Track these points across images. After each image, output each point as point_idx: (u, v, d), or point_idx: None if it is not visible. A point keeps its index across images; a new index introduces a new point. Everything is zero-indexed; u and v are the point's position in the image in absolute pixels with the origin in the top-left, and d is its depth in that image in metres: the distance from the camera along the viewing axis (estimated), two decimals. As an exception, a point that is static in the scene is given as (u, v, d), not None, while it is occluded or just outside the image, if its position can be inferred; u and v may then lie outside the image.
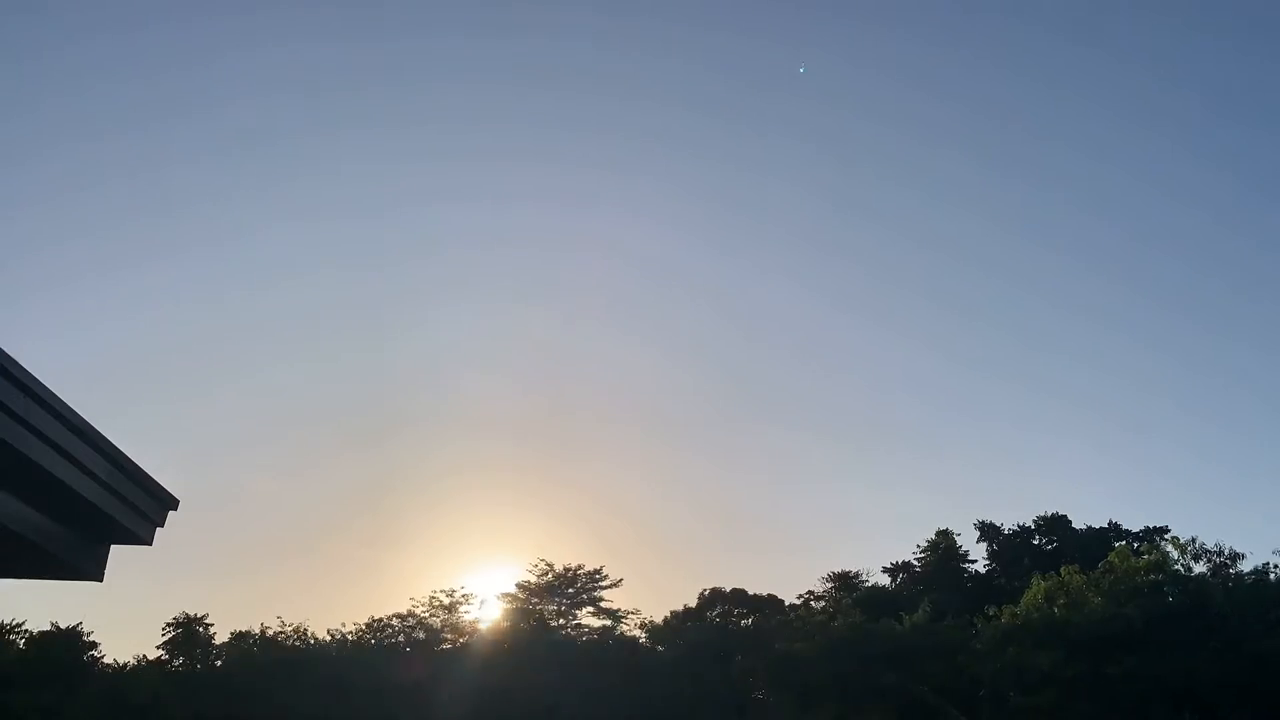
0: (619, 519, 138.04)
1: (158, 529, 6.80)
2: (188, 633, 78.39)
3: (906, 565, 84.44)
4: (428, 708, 61.74)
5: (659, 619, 74.51)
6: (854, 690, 55.99)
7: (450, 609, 76.09)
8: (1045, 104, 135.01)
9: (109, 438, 5.92)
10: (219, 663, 76.37)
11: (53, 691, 66.95)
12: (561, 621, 75.77)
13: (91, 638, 78.22)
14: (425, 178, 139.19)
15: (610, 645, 70.94)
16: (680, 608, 75.28)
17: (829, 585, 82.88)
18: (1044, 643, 53.37)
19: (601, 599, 76.56)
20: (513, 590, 77.45)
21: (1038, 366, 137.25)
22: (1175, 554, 60.13)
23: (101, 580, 6.86)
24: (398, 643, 73.92)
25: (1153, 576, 56.55)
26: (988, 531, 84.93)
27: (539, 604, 76.39)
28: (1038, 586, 58.37)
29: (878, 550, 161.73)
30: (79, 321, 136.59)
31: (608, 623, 75.26)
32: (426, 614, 75.91)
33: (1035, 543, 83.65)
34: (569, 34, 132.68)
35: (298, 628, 76.41)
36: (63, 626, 77.50)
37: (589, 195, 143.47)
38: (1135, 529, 79.68)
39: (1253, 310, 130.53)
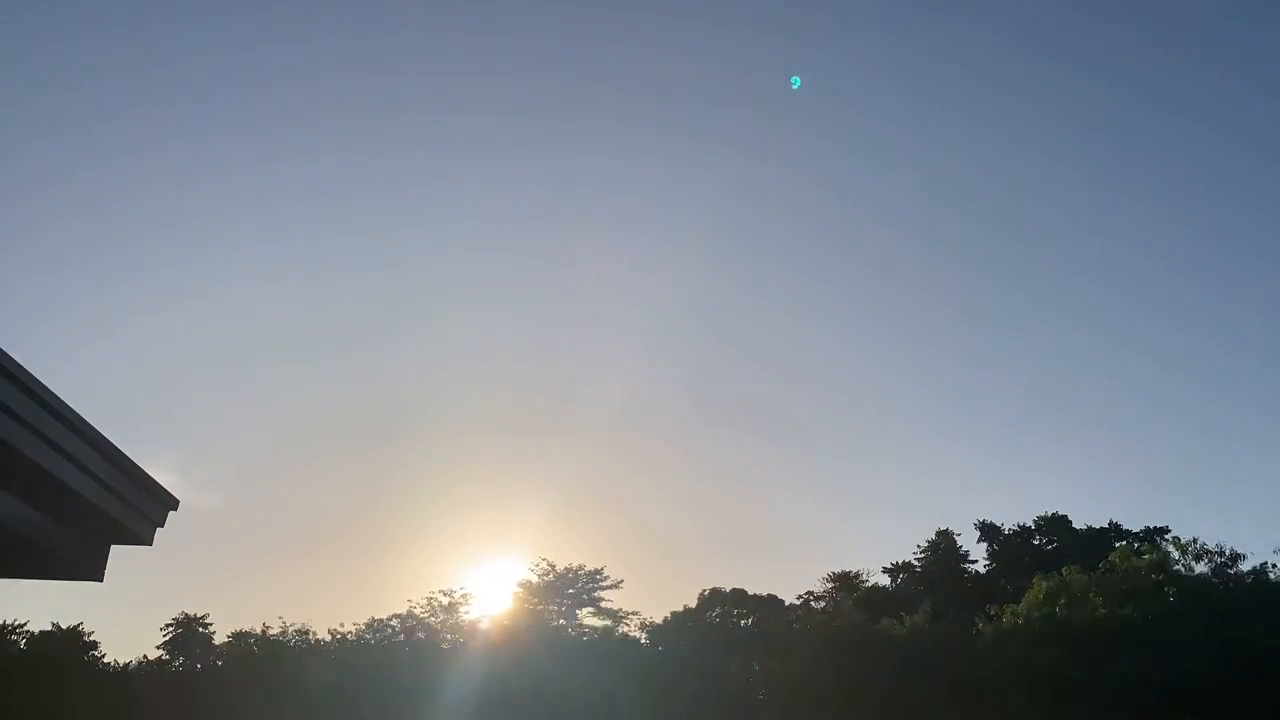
0: (620, 519, 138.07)
1: (158, 529, 6.81)
2: (188, 633, 78.51)
3: (907, 565, 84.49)
4: (428, 708, 61.74)
5: (659, 619, 74.58)
6: (855, 691, 55.99)
7: (450, 609, 76.17)
8: (1047, 108, 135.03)
9: (109, 438, 5.93)
10: (219, 663, 76.43)
11: (53, 691, 67.00)
12: (562, 622, 75.81)
13: (92, 638, 78.39)
14: (426, 176, 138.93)
15: (611, 645, 70.95)
16: (680, 608, 75.34)
17: (829, 585, 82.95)
18: (1045, 643, 53.42)
19: (602, 599, 76.68)
20: (514, 590, 77.56)
21: (1038, 367, 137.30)
22: (1176, 554, 60.21)
23: (101, 580, 6.87)
24: (398, 643, 73.96)
25: (1153, 577, 56.61)
26: (988, 532, 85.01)
27: (540, 604, 76.41)
28: (1039, 587, 58.43)
29: (878, 550, 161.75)
30: (80, 322, 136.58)
31: (608, 623, 75.32)
32: (426, 614, 76.00)
33: (1036, 543, 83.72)
34: (570, 33, 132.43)
35: (298, 628, 76.57)
36: (63, 626, 77.64)
37: (590, 195, 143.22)
38: (1136, 529, 79.79)
39: (1253, 310, 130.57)
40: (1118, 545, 65.49)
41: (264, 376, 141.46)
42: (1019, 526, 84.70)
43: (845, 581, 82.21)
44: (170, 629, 78.55)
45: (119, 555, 6.88)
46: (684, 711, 59.54)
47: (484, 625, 75.08)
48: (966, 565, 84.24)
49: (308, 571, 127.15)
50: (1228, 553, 59.21)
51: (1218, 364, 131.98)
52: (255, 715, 64.04)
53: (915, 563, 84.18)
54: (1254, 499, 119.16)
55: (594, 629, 75.11)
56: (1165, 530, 75.30)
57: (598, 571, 77.24)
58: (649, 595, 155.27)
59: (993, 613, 59.21)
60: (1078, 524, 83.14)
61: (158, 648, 78.33)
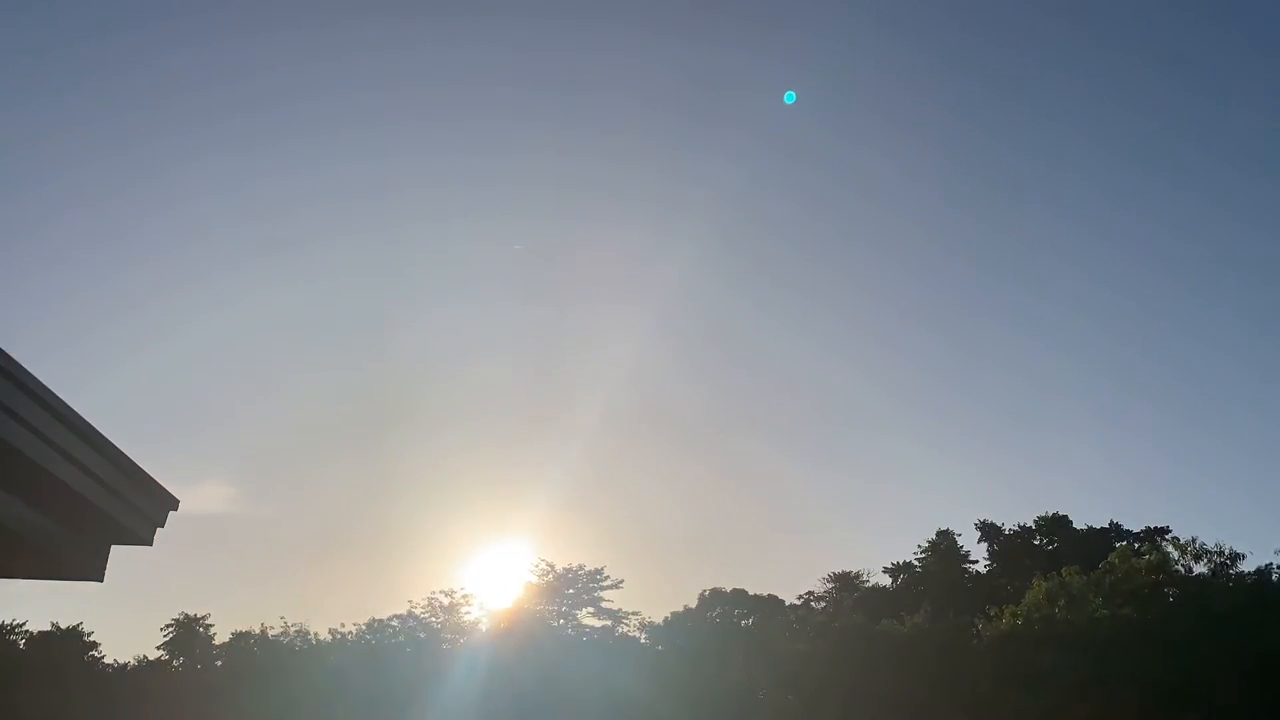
0: (620, 519, 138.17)
1: (158, 529, 6.80)
2: (188, 633, 78.51)
3: (907, 565, 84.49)
4: (428, 708, 61.75)
5: (660, 619, 74.59)
6: (855, 690, 55.99)
7: (450, 609, 76.17)
8: (1053, 97, 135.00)
9: (110, 438, 5.92)
10: (219, 663, 76.44)
11: (53, 691, 67.02)
12: (562, 622, 75.78)
13: (92, 638, 78.44)
14: (426, 174, 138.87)
15: (611, 645, 70.94)
16: (681, 608, 75.36)
17: (830, 585, 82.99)
18: (1045, 643, 53.43)
19: (602, 599, 76.63)
20: (514, 590, 77.57)
21: (1039, 367, 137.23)
22: (1176, 554, 60.21)
23: (102, 580, 6.85)
24: (398, 643, 73.94)
25: (1153, 577, 56.62)
26: (989, 532, 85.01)
27: (540, 604, 76.39)
28: (1039, 587, 58.44)
29: (879, 550, 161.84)
30: (80, 322, 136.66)
31: (608, 623, 75.30)
32: (427, 614, 76.00)
33: (1036, 543, 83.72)
34: (579, 45, 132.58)
35: (298, 628, 76.60)
36: (63, 626, 77.68)
37: (592, 194, 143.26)
38: (1136, 529, 79.78)
39: (1253, 310, 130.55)
40: (1118, 546, 65.49)
41: (266, 374, 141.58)
42: (1019, 527, 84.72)
43: (846, 582, 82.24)
44: (170, 629, 78.58)
45: (119, 555, 6.87)
46: (684, 711, 59.53)
47: (484, 625, 75.10)
48: (967, 565, 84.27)
49: (308, 571, 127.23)
50: (1227, 553, 59.23)
51: (1218, 364, 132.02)
52: (255, 715, 64.02)
53: (916, 563, 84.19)
54: (1254, 500, 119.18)
55: (594, 629, 75.12)
56: (1166, 530, 75.33)
57: (598, 571, 77.23)
58: (649, 595, 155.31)
59: (993, 613, 59.21)
60: (1078, 524, 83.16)
61: (158, 648, 78.42)
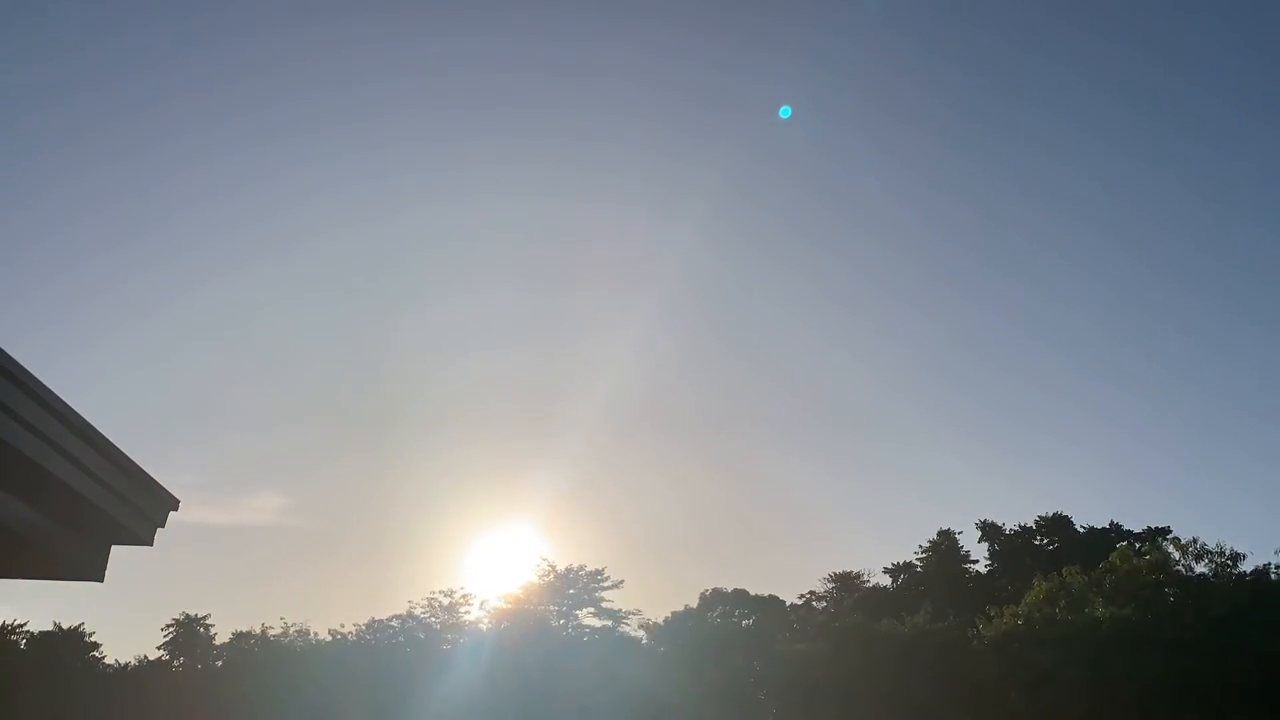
0: (621, 519, 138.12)
1: (158, 529, 6.79)
2: (188, 633, 78.50)
3: (908, 565, 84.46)
4: (428, 708, 61.74)
5: (660, 619, 74.55)
6: (856, 690, 55.98)
7: (451, 609, 76.12)
8: (1058, 101, 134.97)
9: (110, 438, 5.92)
10: (219, 663, 76.43)
11: (54, 691, 67.04)
12: (563, 622, 75.73)
13: (92, 638, 78.45)
14: (428, 171, 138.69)
15: (612, 645, 70.90)
16: (681, 608, 75.33)
17: (830, 585, 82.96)
18: (1045, 643, 53.41)
19: (603, 599, 76.56)
20: (514, 590, 77.46)
21: (1040, 367, 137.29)
22: (1176, 555, 60.15)
23: (102, 580, 6.85)
24: (398, 643, 73.91)
25: (1154, 577, 56.58)
26: (989, 532, 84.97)
27: (541, 604, 76.33)
28: (1040, 587, 58.41)
29: (879, 551, 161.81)
30: (80, 322, 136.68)
31: (609, 623, 75.23)
32: (427, 614, 75.97)
33: (1037, 543, 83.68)
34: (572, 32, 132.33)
35: (298, 628, 76.58)
36: (63, 626, 77.70)
37: (593, 193, 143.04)
38: (1137, 529, 79.73)
39: (1254, 310, 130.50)
40: (1119, 546, 65.45)
41: (265, 374, 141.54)
42: (1020, 527, 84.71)
43: (846, 582, 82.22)
44: (171, 629, 78.57)
45: (119, 555, 6.87)
46: (685, 711, 59.53)
47: (484, 625, 75.07)
48: (968, 565, 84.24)
49: (309, 571, 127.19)
50: (1228, 553, 59.15)
51: (1219, 364, 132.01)
52: (255, 715, 64.03)
53: (916, 563, 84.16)
54: (1254, 500, 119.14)
55: (595, 629, 75.06)
56: (1166, 530, 75.29)
57: (598, 572, 77.17)
58: (650, 595, 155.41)
59: (994, 613, 59.18)
60: (1079, 524, 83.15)
61: (158, 648, 78.41)
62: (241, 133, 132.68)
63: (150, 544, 6.81)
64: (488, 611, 76.46)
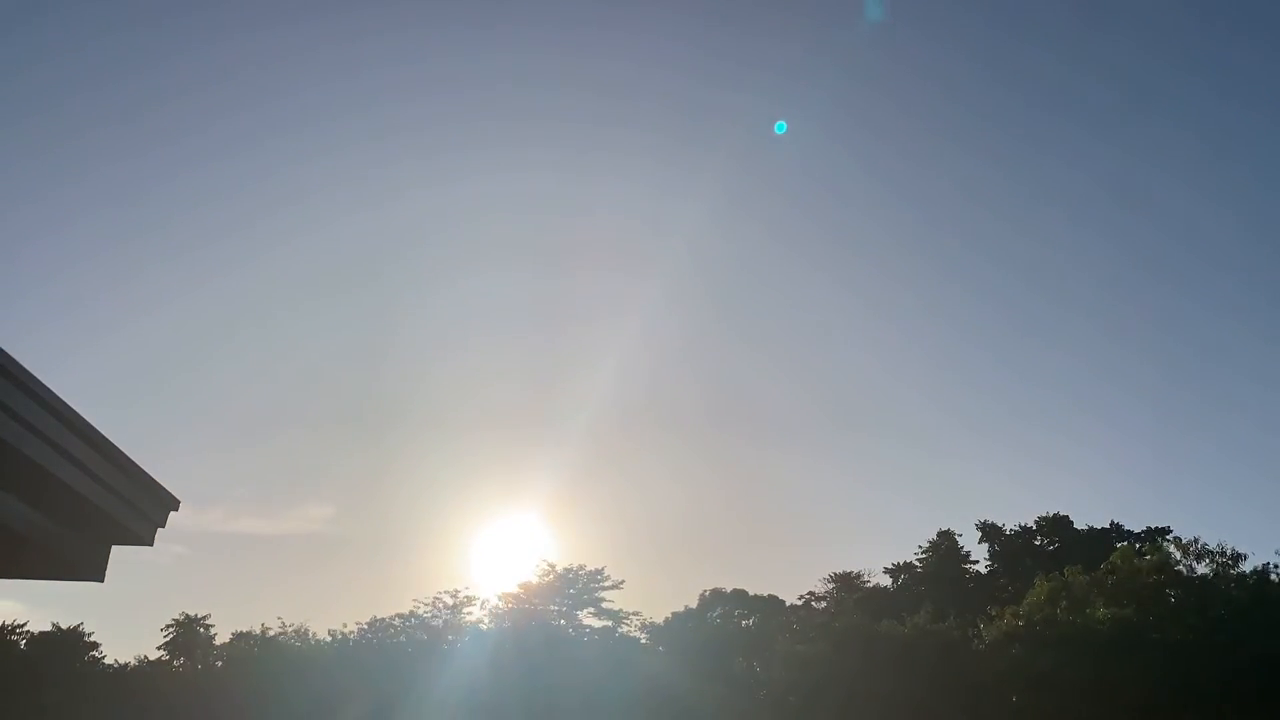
0: (621, 519, 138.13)
1: (158, 529, 6.79)
2: (188, 633, 78.51)
3: (908, 566, 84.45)
4: (429, 708, 61.74)
5: (660, 620, 74.52)
6: (856, 691, 55.96)
7: (451, 609, 76.08)
8: (1058, 100, 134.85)
9: (110, 438, 5.91)
10: (219, 663, 76.43)
11: (54, 691, 67.04)
12: (563, 622, 75.71)
13: (92, 638, 78.45)
14: (428, 166, 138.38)
15: (612, 646, 70.90)
16: (681, 608, 75.34)
17: (830, 586, 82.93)
18: (1046, 643, 53.38)
19: (603, 600, 76.53)
20: (514, 591, 77.43)
21: (1040, 367, 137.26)
22: (1177, 555, 60.12)
23: (102, 580, 6.85)
24: (400, 643, 73.89)
25: (1155, 577, 56.56)
26: (990, 532, 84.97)
27: (541, 605, 76.30)
28: (1040, 587, 58.39)
29: (880, 551, 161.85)
30: (80, 322, 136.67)
31: (609, 623, 75.21)
32: (428, 614, 75.93)
33: (1037, 543, 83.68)
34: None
35: (299, 628, 76.55)
36: (63, 627, 77.71)
37: (595, 189, 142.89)
38: (1137, 530, 79.74)
39: (1255, 309, 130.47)
40: (1119, 546, 65.44)
41: (267, 372, 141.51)
42: (1020, 527, 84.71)
43: (846, 582, 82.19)
44: (171, 629, 78.59)
45: (119, 555, 6.86)
46: (685, 711, 59.53)
47: (485, 626, 75.05)
48: (968, 566, 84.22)
49: (309, 570, 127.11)
50: (1229, 553, 59.12)
51: (1220, 365, 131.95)
52: (256, 716, 64.02)
53: (917, 563, 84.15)
54: (1255, 500, 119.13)
55: (595, 629, 75.06)
56: (1167, 531, 75.28)
57: (598, 572, 77.14)
58: (650, 596, 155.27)
59: (994, 613, 59.17)
60: (1079, 524, 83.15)
61: (158, 648, 78.43)
62: (240, 130, 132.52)
63: (150, 544, 6.81)
64: (488, 611, 76.49)
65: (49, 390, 5.29)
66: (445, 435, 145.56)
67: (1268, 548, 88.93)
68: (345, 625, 76.18)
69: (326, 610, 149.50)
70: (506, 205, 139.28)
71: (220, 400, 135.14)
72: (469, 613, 76.23)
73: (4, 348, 4.95)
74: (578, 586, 76.80)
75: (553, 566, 77.22)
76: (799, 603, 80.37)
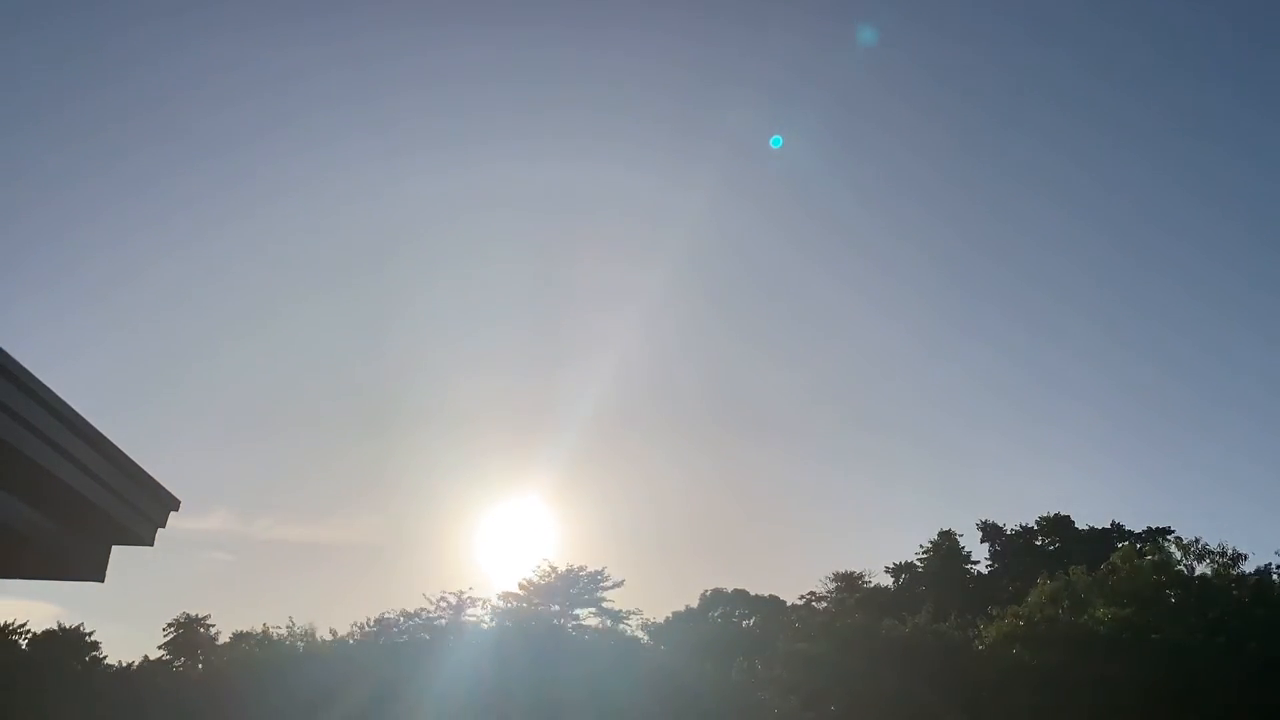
0: (621, 520, 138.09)
1: (159, 529, 6.79)
2: (189, 633, 78.61)
3: (909, 566, 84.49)
4: (430, 708, 61.72)
5: (661, 619, 74.60)
6: (857, 691, 55.96)
7: (452, 609, 76.12)
8: (1056, 98, 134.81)
9: (111, 438, 5.91)
10: (220, 663, 76.47)
11: (54, 692, 67.08)
12: (563, 622, 75.78)
13: (93, 638, 78.54)
14: (430, 160, 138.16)
15: (612, 645, 70.93)
16: (682, 608, 75.48)
17: (832, 586, 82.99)
18: (1047, 644, 53.38)
19: (604, 599, 76.63)
20: (515, 590, 77.52)
21: (1040, 367, 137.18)
22: (1178, 555, 60.11)
23: (103, 580, 6.85)
24: (401, 643, 73.90)
25: (1156, 577, 56.54)
26: (990, 532, 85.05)
27: (541, 604, 76.38)
28: (1041, 587, 58.40)
29: (880, 551, 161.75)
30: (80, 323, 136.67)
31: (609, 623, 75.29)
32: (429, 614, 75.96)
33: (1038, 543, 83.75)
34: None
35: (300, 628, 76.55)
36: (64, 627, 77.83)
37: (596, 188, 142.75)
38: (1138, 529, 79.80)
39: (1255, 309, 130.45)
40: (1120, 546, 65.44)
41: (266, 370, 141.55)
42: (1021, 527, 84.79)
43: (848, 582, 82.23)
44: (172, 629, 78.68)
45: (119, 555, 6.86)
46: (685, 712, 59.53)
47: (485, 625, 75.07)
48: (969, 566, 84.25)
49: (310, 570, 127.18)
50: (1230, 553, 59.11)
51: (1221, 365, 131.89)
52: (257, 716, 64.01)
53: (918, 563, 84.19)
54: (1256, 500, 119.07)
55: (595, 629, 75.11)
56: (1168, 531, 75.30)
57: (599, 572, 77.25)
58: (650, 596, 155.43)
59: (995, 613, 59.16)
60: (1080, 524, 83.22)
61: (159, 648, 78.52)
62: (239, 127, 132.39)
63: (151, 544, 6.81)
64: (489, 611, 76.55)
65: (49, 390, 5.29)
66: (446, 435, 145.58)
67: (1268, 548, 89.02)
68: (346, 625, 76.31)
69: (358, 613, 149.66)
70: (506, 197, 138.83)
71: (220, 401, 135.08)
72: (469, 613, 76.35)
73: (5, 348, 4.96)
74: (578, 586, 76.90)
75: (553, 566, 77.39)
76: (800, 602, 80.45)
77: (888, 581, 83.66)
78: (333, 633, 75.64)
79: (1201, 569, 59.08)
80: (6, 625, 76.16)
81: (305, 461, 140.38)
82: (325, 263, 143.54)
